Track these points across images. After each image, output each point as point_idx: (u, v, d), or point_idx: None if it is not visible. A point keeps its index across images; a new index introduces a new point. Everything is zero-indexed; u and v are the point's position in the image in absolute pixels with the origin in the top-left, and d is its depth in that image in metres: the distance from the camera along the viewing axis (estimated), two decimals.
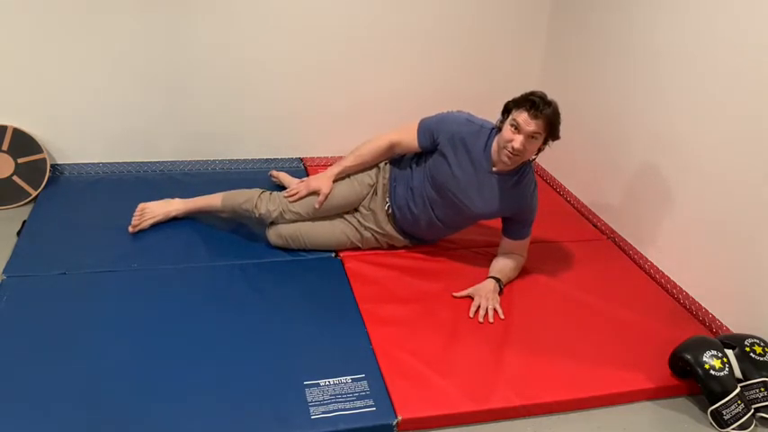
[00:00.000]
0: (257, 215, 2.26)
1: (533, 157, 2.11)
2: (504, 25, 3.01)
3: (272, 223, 2.28)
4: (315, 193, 2.24)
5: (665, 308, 2.22)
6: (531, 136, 1.98)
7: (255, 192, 2.29)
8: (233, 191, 2.34)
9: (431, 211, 2.21)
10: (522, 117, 1.97)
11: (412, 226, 2.29)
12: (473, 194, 2.14)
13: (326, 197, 2.23)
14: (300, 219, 2.26)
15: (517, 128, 1.98)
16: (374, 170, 2.32)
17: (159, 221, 2.37)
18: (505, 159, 2.04)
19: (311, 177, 2.31)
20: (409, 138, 2.21)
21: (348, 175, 2.31)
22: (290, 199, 2.24)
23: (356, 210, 2.32)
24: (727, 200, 2.07)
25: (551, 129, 2.00)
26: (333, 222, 2.29)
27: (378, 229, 2.30)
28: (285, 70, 2.83)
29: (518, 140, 1.99)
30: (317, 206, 2.22)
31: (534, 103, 1.95)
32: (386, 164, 2.32)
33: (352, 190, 2.29)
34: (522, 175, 2.13)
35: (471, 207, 2.16)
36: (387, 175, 2.30)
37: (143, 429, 1.54)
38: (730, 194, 2.06)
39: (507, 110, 2.05)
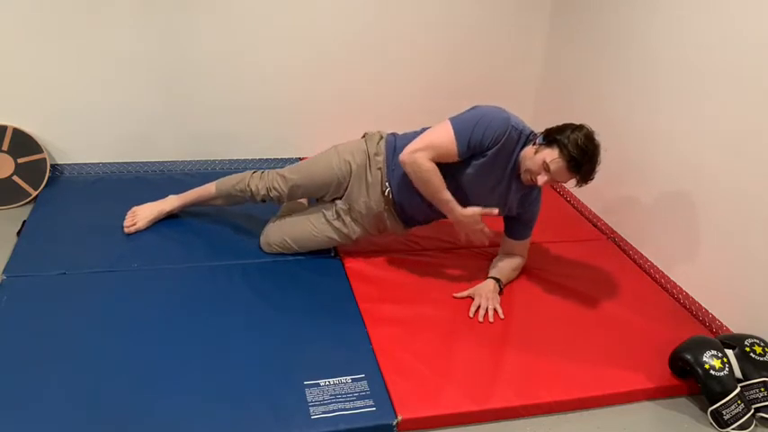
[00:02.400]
0: (249, 193, 2.25)
1: None
2: (504, 24, 3.01)
3: (274, 220, 2.28)
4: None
5: (665, 308, 2.22)
6: (557, 181, 1.95)
7: (248, 172, 2.29)
8: (226, 176, 2.34)
9: None
10: (558, 166, 1.88)
11: (411, 207, 2.17)
12: (486, 192, 2.08)
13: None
14: (283, 195, 2.22)
15: (548, 170, 1.90)
16: (361, 154, 2.17)
17: (156, 219, 2.37)
18: (525, 180, 2.02)
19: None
20: (445, 149, 1.98)
21: (336, 148, 2.21)
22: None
23: (340, 198, 2.20)
24: (727, 199, 2.07)
25: (582, 182, 1.93)
26: (317, 228, 2.22)
27: (367, 215, 2.18)
28: (285, 70, 2.83)
29: (543, 180, 1.93)
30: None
31: (578, 165, 1.86)
32: (375, 154, 2.16)
33: (329, 168, 2.17)
34: None
35: (481, 202, 2.09)
36: (381, 160, 2.16)
37: (143, 429, 1.54)
38: (730, 194, 2.06)
39: (550, 139, 1.91)
